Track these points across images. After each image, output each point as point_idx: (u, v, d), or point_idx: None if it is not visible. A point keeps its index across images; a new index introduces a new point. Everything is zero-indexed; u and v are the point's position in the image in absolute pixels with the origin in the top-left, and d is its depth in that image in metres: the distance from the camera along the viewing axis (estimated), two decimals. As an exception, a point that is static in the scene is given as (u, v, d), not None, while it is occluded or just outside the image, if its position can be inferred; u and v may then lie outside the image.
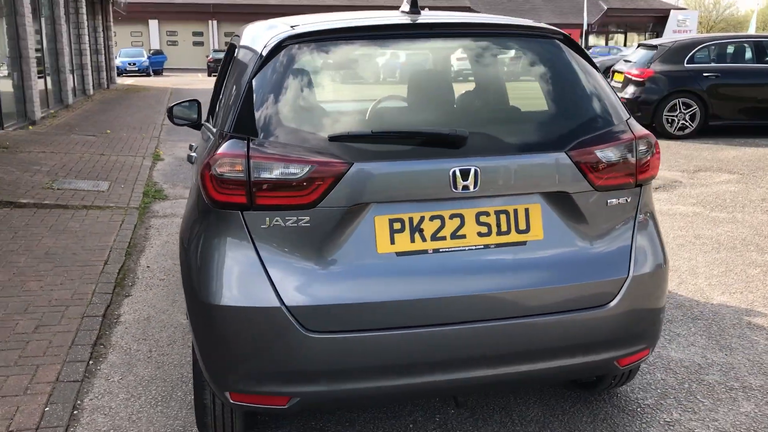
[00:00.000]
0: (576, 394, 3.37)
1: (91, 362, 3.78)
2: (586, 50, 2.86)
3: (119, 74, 33.58)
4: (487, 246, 2.53)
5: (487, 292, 2.50)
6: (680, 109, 11.68)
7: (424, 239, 2.49)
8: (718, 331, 4.09)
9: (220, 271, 2.47)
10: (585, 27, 42.07)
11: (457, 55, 3.35)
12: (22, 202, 7.07)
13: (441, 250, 2.50)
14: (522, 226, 2.56)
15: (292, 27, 2.74)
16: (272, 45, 2.62)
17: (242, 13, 46.55)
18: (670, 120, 11.74)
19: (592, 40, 54.08)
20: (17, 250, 5.60)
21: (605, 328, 2.62)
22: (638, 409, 3.23)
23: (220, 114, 2.82)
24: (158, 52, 42.29)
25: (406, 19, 2.82)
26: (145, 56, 38.57)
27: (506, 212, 2.55)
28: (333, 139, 2.45)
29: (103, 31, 24.25)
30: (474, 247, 2.52)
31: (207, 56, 41.70)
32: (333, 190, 2.41)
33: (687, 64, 11.77)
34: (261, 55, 2.64)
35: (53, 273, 5.09)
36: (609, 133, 2.67)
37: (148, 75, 37.15)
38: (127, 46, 43.10)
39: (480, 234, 2.53)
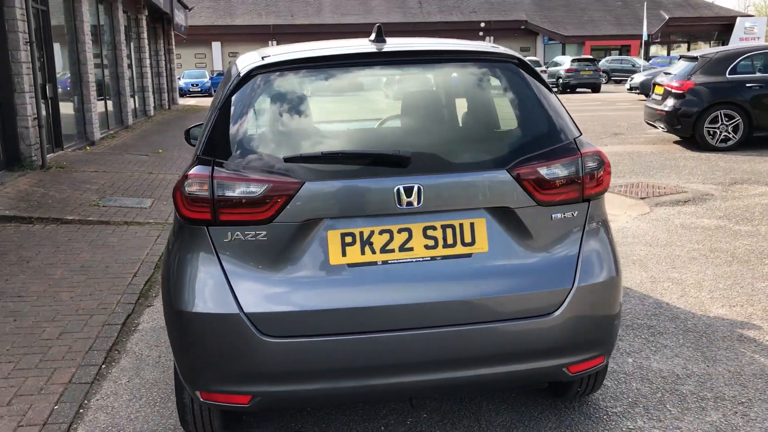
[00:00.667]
0: (547, 401, 3.50)
1: (103, 366, 4.10)
2: (540, 73, 3.02)
3: (183, 95, 34.84)
4: (433, 258, 2.72)
5: (433, 300, 2.68)
6: (722, 120, 11.50)
7: (373, 251, 2.69)
8: (706, 343, 4.14)
9: (188, 281, 2.73)
10: (645, 38, 41.38)
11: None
12: (68, 219, 7.57)
13: (390, 261, 2.70)
14: (467, 239, 2.74)
15: (262, 58, 3.00)
16: (242, 75, 2.89)
17: (301, 33, 47.75)
18: (711, 132, 11.57)
19: (654, 50, 53.11)
20: (56, 263, 6.04)
21: (550, 336, 2.76)
22: (604, 417, 3.34)
23: (199, 137, 3.10)
24: (220, 74, 43.60)
25: (371, 48, 3.04)
26: (208, 77, 39.86)
27: (452, 226, 2.73)
28: (287, 160, 2.69)
29: (165, 54, 25.27)
30: (421, 259, 2.71)
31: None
32: (287, 206, 2.65)
33: (729, 75, 11.60)
34: (230, 84, 2.91)
35: (85, 284, 5.48)
36: (553, 151, 2.83)
37: (210, 95, 38.36)
38: (192, 68, 44.68)
39: (427, 247, 2.72)
